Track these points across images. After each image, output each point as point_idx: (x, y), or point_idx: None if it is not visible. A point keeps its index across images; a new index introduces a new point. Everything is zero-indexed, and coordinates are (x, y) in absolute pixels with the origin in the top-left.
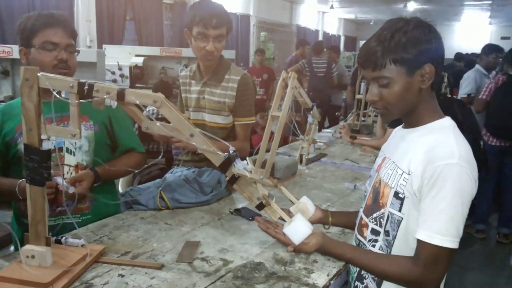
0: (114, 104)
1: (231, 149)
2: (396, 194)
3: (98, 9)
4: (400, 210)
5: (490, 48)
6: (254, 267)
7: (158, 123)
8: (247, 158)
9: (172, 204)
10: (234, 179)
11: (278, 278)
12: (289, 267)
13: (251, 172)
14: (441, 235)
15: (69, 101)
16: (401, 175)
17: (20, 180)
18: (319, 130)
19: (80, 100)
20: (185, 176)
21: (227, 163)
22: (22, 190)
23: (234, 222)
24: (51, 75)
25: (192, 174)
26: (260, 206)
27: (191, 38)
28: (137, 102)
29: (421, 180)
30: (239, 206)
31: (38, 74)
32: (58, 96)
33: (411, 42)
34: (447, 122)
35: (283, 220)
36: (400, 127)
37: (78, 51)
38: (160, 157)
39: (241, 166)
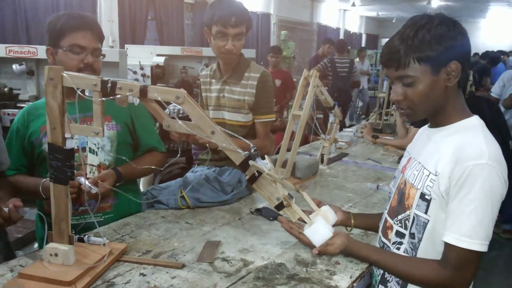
0: (136, 101)
1: (252, 147)
2: (422, 196)
3: (121, 9)
4: (426, 212)
5: None
6: (276, 268)
7: (179, 121)
8: (266, 156)
9: (193, 203)
10: (254, 178)
11: (300, 280)
12: (311, 269)
13: (270, 171)
14: (470, 238)
15: (92, 99)
16: (428, 176)
17: (44, 179)
18: (340, 129)
19: (103, 98)
20: (206, 175)
21: (246, 162)
22: (46, 189)
23: (254, 222)
24: (75, 73)
25: (213, 173)
26: (280, 207)
27: (211, 36)
28: (159, 99)
29: (449, 181)
30: (260, 206)
31: (63, 73)
32: (82, 94)
33: (435, 39)
34: (475, 121)
35: (304, 221)
36: (426, 126)
37: (104, 55)
38: (178, 156)
39: (261, 165)
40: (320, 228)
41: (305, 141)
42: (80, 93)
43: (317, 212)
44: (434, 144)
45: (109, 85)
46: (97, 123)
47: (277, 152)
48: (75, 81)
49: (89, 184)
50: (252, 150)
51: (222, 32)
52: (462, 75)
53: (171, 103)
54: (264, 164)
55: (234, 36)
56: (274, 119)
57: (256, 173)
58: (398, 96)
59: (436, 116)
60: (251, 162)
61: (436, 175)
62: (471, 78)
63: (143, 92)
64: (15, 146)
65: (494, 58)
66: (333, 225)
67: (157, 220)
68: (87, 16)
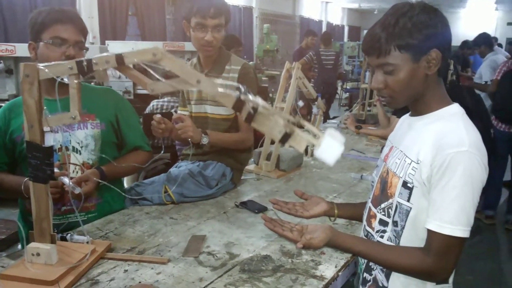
0: (116, 73)
1: (240, 86)
2: (404, 184)
3: (100, 5)
4: (408, 200)
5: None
6: (261, 260)
7: (163, 80)
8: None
9: (178, 198)
10: (251, 116)
11: (286, 271)
12: (296, 260)
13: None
14: (452, 225)
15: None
16: (410, 164)
17: (26, 179)
18: (324, 121)
19: (81, 81)
20: (190, 170)
21: (240, 101)
22: (27, 188)
23: (239, 215)
24: (50, 63)
25: (197, 167)
26: (284, 138)
27: (190, 29)
28: (136, 61)
29: (431, 169)
30: (245, 199)
31: (38, 67)
32: (61, 81)
33: (416, 27)
34: (456, 109)
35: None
36: (407, 115)
37: (87, 48)
38: (162, 152)
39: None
40: (330, 144)
41: None
42: (58, 79)
43: (322, 135)
44: (415, 133)
45: (85, 63)
46: (73, 108)
47: (261, 145)
48: (51, 70)
49: (72, 185)
50: (242, 89)
51: (201, 23)
52: (442, 64)
53: (154, 100)
54: (256, 99)
55: (213, 28)
56: None
57: (252, 111)
58: (379, 84)
59: (417, 104)
60: (243, 97)
61: (418, 163)
62: (451, 67)
63: (119, 60)
64: None
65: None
66: (317, 216)
67: (141, 217)
68: (69, 10)
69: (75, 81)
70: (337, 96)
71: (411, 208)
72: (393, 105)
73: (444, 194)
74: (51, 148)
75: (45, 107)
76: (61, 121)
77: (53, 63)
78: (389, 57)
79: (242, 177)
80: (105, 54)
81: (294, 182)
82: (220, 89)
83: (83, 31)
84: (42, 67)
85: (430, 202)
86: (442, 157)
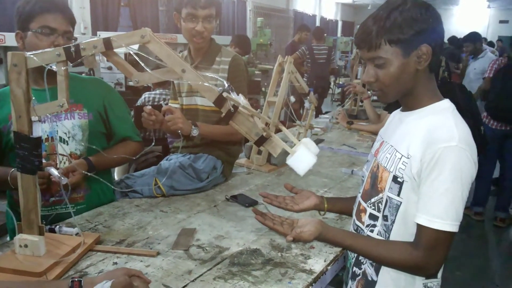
0: (103, 59)
1: (225, 83)
2: (394, 178)
3: None
4: (398, 195)
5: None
6: (251, 254)
7: (149, 71)
8: (240, 95)
9: (168, 191)
10: (230, 114)
11: (275, 265)
12: (286, 253)
13: (244, 107)
14: (441, 219)
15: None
16: (400, 159)
17: (12, 169)
18: (316, 116)
19: (69, 66)
20: (180, 163)
21: (222, 97)
22: (14, 179)
23: (230, 209)
24: (38, 51)
25: (188, 160)
26: (260, 141)
27: (181, 20)
28: (124, 45)
29: (421, 164)
30: (235, 192)
31: (26, 55)
32: (50, 68)
33: (407, 22)
34: (446, 104)
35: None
36: (398, 110)
37: (76, 38)
38: (153, 144)
39: (237, 99)
40: (303, 155)
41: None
42: (47, 66)
43: (298, 144)
44: (405, 127)
45: (73, 49)
46: (61, 95)
47: None
48: (39, 57)
49: (59, 175)
50: (226, 86)
51: (192, 14)
52: (433, 59)
53: (146, 92)
54: (240, 98)
55: (204, 18)
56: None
57: (232, 109)
58: (370, 77)
59: (407, 99)
60: (225, 94)
61: (408, 158)
62: (443, 64)
63: (107, 44)
64: None
65: (459, 45)
66: (307, 209)
67: (131, 209)
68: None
69: (63, 68)
70: (330, 91)
71: (401, 202)
72: (383, 99)
73: (434, 188)
74: (39, 138)
75: (33, 97)
76: (49, 110)
77: (40, 51)
78: (379, 50)
79: (233, 171)
80: (92, 39)
81: (285, 177)
82: (204, 82)
83: (72, 21)
84: (30, 55)
85: (419, 197)
86: (432, 152)
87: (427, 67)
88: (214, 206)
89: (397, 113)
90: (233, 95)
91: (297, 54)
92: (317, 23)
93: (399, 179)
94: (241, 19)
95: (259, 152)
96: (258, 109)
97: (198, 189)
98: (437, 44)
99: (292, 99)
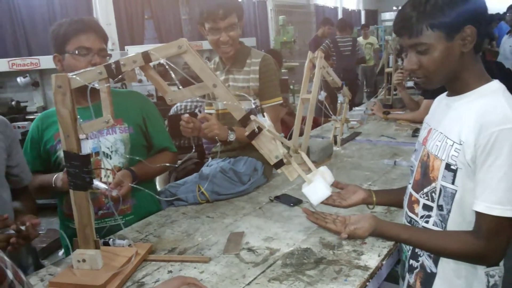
0: (141, 74)
1: (254, 103)
2: (447, 166)
3: (117, 11)
4: (453, 183)
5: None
6: (302, 253)
7: (182, 88)
8: (265, 114)
9: (212, 196)
10: (254, 134)
11: (328, 263)
12: (338, 251)
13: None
14: (501, 205)
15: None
16: (452, 145)
17: (56, 174)
18: (350, 109)
19: (109, 84)
20: (221, 168)
21: (247, 118)
22: (57, 180)
23: (275, 210)
24: (79, 71)
25: (228, 164)
26: (278, 165)
27: (205, 32)
28: (163, 59)
29: (475, 149)
30: (278, 193)
31: (69, 76)
32: (92, 86)
33: (448, 4)
34: (496, 85)
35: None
36: (443, 95)
37: (111, 55)
38: (193, 151)
39: (262, 121)
40: (319, 186)
41: (315, 124)
42: (89, 84)
43: (315, 172)
44: (455, 113)
45: (113, 66)
46: (106, 112)
47: (290, 138)
48: (81, 77)
49: (108, 187)
50: (254, 106)
51: (213, 27)
52: (478, 40)
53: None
54: (264, 121)
55: (226, 28)
56: (282, 101)
57: (256, 130)
58: (412, 64)
59: (454, 83)
60: (252, 117)
61: (461, 144)
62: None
63: (146, 57)
64: (30, 154)
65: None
66: (356, 204)
67: (178, 217)
68: (89, 19)
69: (105, 85)
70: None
71: (456, 190)
72: (429, 85)
73: (491, 174)
74: (88, 156)
75: (78, 116)
76: (95, 127)
77: (81, 70)
78: (421, 36)
79: (273, 171)
80: (130, 54)
81: None
82: (233, 99)
83: (105, 38)
84: (73, 76)
85: (476, 183)
86: (487, 136)
87: (472, 49)
88: (259, 208)
89: (443, 98)
90: (259, 117)
91: (321, 49)
92: (339, 15)
93: (452, 167)
94: (263, 19)
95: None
96: (286, 108)
97: (241, 192)
98: (481, 23)
99: (323, 94)
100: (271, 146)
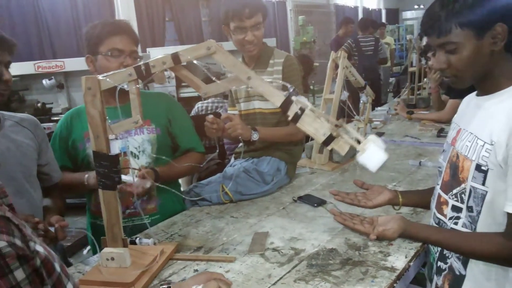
0: (172, 74)
1: (290, 86)
2: (478, 167)
3: (138, 14)
4: (483, 184)
5: None
6: (328, 254)
7: (216, 81)
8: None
9: (235, 196)
10: (297, 116)
11: (354, 264)
12: (364, 252)
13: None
14: None
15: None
16: (483, 146)
17: (87, 173)
18: (373, 109)
19: (139, 85)
20: (245, 168)
21: (288, 101)
22: (89, 180)
23: (299, 210)
24: (109, 73)
25: (251, 164)
26: (328, 140)
27: (230, 33)
28: (193, 59)
29: (507, 150)
30: (301, 193)
31: (99, 78)
32: (122, 87)
33: (477, 2)
34: None
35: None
36: (472, 95)
37: (141, 57)
38: (217, 151)
39: (304, 101)
40: (373, 152)
41: None
42: (119, 86)
43: (366, 141)
44: (485, 112)
45: (143, 68)
46: (135, 113)
47: (312, 138)
48: (112, 79)
49: (132, 179)
50: (291, 90)
51: (239, 26)
52: (509, 38)
53: (199, 102)
54: (305, 100)
55: (251, 27)
56: None
57: (299, 111)
58: (441, 64)
59: (484, 83)
60: (294, 98)
61: (492, 145)
62: None
63: (175, 59)
64: (58, 151)
65: None
66: (381, 205)
67: (203, 217)
68: (121, 21)
69: (134, 86)
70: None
71: (487, 192)
72: (458, 85)
73: None
74: (117, 155)
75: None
76: (124, 127)
77: (111, 72)
78: (450, 35)
79: (296, 172)
80: (160, 56)
81: (350, 174)
82: (269, 87)
83: (136, 41)
84: (103, 78)
85: (508, 184)
86: None
87: (503, 47)
88: (283, 208)
89: (472, 98)
90: (299, 98)
91: (344, 48)
92: (360, 14)
93: (483, 168)
94: (282, 19)
95: (321, 151)
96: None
97: (264, 192)
98: None
99: (345, 94)
100: (316, 125)
